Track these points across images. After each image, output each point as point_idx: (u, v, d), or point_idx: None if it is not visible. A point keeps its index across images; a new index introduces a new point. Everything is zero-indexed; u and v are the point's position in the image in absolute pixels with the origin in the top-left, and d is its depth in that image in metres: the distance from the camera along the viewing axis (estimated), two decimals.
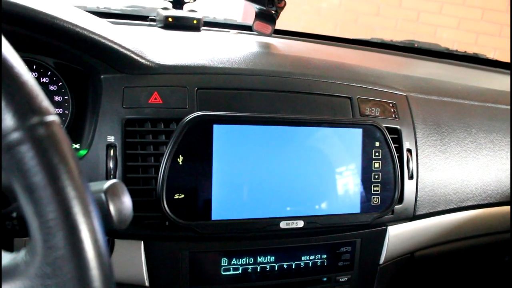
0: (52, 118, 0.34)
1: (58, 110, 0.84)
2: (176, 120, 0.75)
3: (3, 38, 0.35)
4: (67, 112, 0.83)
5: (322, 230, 0.81)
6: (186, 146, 0.71)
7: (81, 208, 0.33)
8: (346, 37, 1.51)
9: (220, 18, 1.40)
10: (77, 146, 0.85)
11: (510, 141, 1.06)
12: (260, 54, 0.94)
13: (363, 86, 0.91)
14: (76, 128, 0.81)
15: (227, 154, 0.73)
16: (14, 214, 0.52)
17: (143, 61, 0.76)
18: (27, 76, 0.34)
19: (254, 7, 1.04)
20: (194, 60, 0.81)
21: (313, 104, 0.84)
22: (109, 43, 0.74)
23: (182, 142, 0.71)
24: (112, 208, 0.42)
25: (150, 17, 1.22)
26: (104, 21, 0.89)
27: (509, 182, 1.04)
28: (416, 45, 1.57)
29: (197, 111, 0.75)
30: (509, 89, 1.17)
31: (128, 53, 0.75)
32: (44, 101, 0.34)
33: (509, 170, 1.05)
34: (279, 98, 0.82)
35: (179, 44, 0.95)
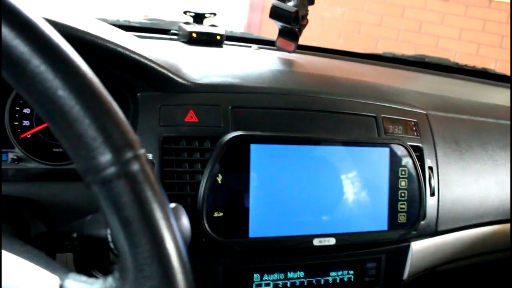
0: (142, 151, 0.36)
1: None
2: (210, 138, 0.77)
3: (91, 72, 0.36)
4: None
5: (351, 246, 0.83)
6: (224, 165, 0.73)
7: (172, 239, 0.35)
8: (356, 51, 1.54)
9: (237, 31, 1.42)
10: None
11: (510, 156, 1.08)
12: (289, 73, 0.96)
13: (387, 104, 0.93)
14: None
15: (264, 172, 0.75)
16: (75, 235, 0.54)
17: (179, 80, 0.78)
18: (118, 109, 0.36)
19: (278, 25, 1.06)
20: (227, 79, 0.83)
21: (340, 123, 0.87)
22: (148, 62, 0.75)
23: (221, 161, 0.73)
24: None
25: (171, 31, 1.24)
26: (137, 37, 0.91)
27: None
28: (426, 60, 1.60)
29: (231, 129, 0.77)
30: None
31: (166, 71, 0.77)
32: (133, 134, 0.36)
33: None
34: (308, 117, 0.84)
35: (208, 60, 0.97)
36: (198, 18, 1.25)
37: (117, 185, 0.34)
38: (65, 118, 0.33)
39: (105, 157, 0.34)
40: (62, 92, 0.33)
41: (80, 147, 0.34)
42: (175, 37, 1.22)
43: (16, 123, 0.84)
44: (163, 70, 0.77)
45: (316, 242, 0.78)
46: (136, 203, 0.34)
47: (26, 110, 0.84)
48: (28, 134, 0.84)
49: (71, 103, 0.33)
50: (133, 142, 0.35)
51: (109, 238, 0.50)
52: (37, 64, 0.33)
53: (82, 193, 0.74)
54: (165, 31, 1.27)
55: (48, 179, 0.79)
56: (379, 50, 3.71)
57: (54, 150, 0.86)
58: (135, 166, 0.34)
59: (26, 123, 0.84)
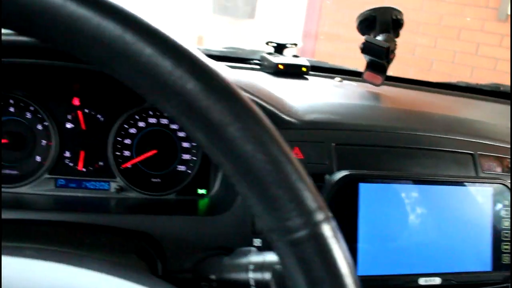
0: (329, 212, 0.37)
1: (186, 156, 0.89)
2: (314, 175, 0.77)
3: (280, 134, 0.37)
4: (195, 158, 0.88)
5: (454, 286, 0.82)
6: (334, 203, 0.74)
7: None
8: (410, 73, 1.52)
9: (312, 59, 1.44)
10: (203, 191, 0.89)
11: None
12: (384, 109, 0.97)
13: (482, 141, 0.93)
14: (203, 174, 0.87)
15: (371, 211, 0.76)
16: (213, 276, 0.56)
17: (286, 117, 0.80)
18: (304, 170, 0.37)
19: (366, 58, 1.08)
20: (329, 115, 0.85)
21: (439, 161, 0.87)
22: (257, 99, 0.78)
23: (331, 199, 0.74)
24: None
25: (254, 60, 1.26)
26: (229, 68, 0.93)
27: None
28: (501, 89, 1.57)
29: (335, 167, 0.78)
30: None
31: (273, 109, 0.79)
32: (321, 197, 0.37)
33: None
34: (408, 154, 0.85)
35: (303, 95, 0.99)
36: (280, 48, 1.27)
37: (309, 246, 0.35)
38: (262, 180, 0.34)
39: (300, 219, 0.35)
40: (261, 156, 0.34)
41: (274, 208, 0.35)
42: (257, 66, 1.25)
43: (118, 153, 0.87)
44: (271, 108, 0.79)
45: (422, 281, 0.78)
46: (328, 264, 0.35)
47: (127, 141, 0.88)
48: (129, 165, 0.88)
49: (270, 167, 0.34)
50: (323, 204, 0.36)
51: (252, 282, 0.51)
52: (238, 127, 0.34)
53: (187, 227, 0.76)
54: (244, 60, 1.30)
55: (149, 211, 0.81)
56: (433, 71, 3.67)
57: (152, 180, 0.89)
58: (327, 228, 0.36)
59: (127, 153, 0.88)
